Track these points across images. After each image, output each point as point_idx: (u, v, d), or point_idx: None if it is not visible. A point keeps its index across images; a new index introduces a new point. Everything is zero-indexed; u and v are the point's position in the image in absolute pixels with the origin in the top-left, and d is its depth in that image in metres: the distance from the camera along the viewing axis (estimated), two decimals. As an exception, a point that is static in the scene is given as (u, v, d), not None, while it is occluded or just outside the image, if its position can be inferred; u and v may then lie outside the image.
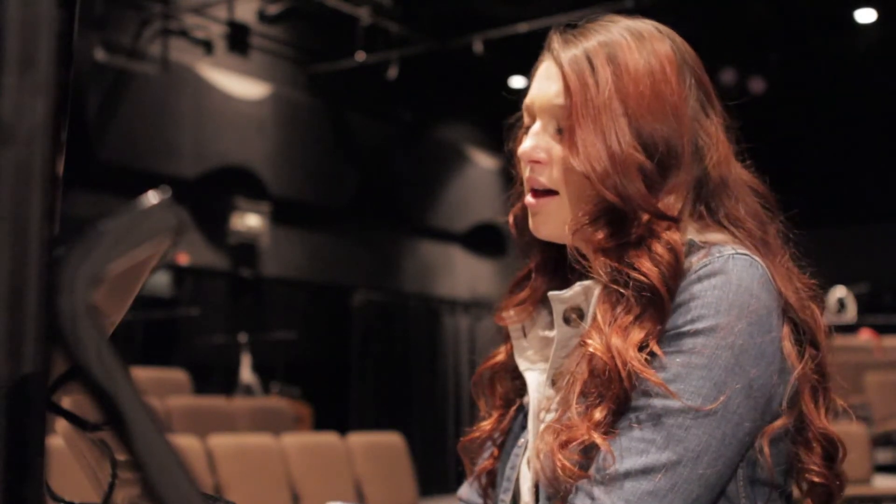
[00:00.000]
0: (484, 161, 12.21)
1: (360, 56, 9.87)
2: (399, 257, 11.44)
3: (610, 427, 1.03)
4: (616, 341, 1.04)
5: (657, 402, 1.01)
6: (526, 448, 1.20)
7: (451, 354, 11.43)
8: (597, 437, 1.02)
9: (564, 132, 1.15)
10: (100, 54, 8.39)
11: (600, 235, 1.12)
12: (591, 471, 1.02)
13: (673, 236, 1.09)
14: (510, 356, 1.27)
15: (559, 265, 1.25)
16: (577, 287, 1.14)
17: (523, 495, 1.18)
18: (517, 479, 1.20)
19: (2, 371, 0.50)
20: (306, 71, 10.34)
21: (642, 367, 1.02)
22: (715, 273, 1.05)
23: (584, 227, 1.13)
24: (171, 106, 9.00)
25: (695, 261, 1.07)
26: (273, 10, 9.91)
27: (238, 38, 9.57)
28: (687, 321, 1.03)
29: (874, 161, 11.61)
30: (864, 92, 10.87)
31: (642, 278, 1.06)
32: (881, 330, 8.79)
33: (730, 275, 1.04)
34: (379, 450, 5.93)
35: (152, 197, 0.56)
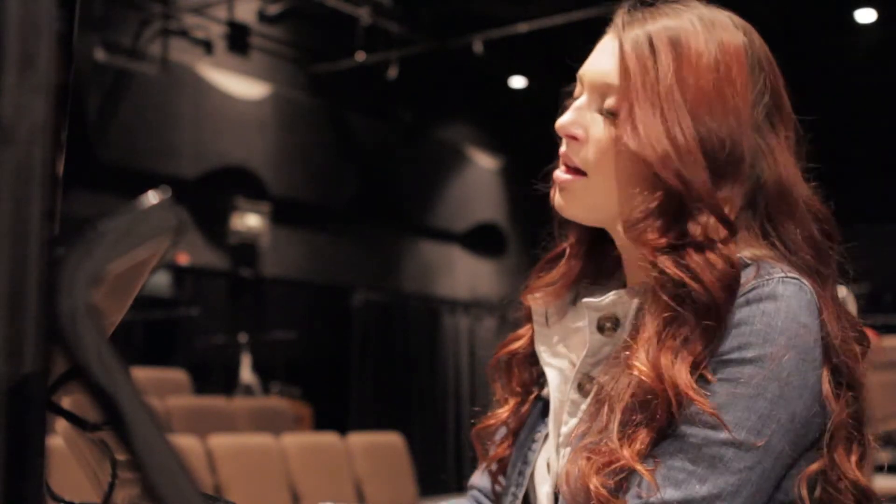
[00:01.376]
0: (484, 161, 12.21)
1: (360, 56, 9.87)
2: (399, 257, 11.44)
3: (650, 453, 0.98)
4: (665, 363, 0.98)
5: (700, 432, 0.97)
6: (543, 443, 1.16)
7: (451, 354, 11.42)
8: (639, 466, 0.97)
9: (620, 111, 1.06)
10: (100, 54, 8.39)
11: (655, 232, 1.03)
12: (628, 497, 0.98)
13: (731, 248, 1.02)
14: (530, 342, 1.21)
15: (593, 248, 1.19)
16: (613, 295, 1.09)
17: (540, 499, 1.14)
18: (532, 476, 1.17)
19: (2, 371, 0.50)
20: (306, 71, 10.33)
21: (695, 396, 0.97)
22: (764, 298, 0.99)
23: (636, 221, 1.04)
24: (171, 106, 9.00)
25: (743, 281, 1.01)
26: (273, 10, 9.91)
27: (238, 38, 9.57)
28: (734, 348, 0.98)
29: (874, 161, 11.61)
30: (864, 92, 10.87)
31: (702, 292, 0.99)
32: (881, 330, 8.79)
33: (779, 301, 0.99)
34: (379, 450, 5.93)
35: (152, 197, 0.56)
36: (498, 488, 1.23)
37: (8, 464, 0.50)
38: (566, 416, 1.13)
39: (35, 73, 0.52)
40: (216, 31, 9.48)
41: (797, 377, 0.99)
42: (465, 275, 12.11)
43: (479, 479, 1.28)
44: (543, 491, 1.14)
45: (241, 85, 9.58)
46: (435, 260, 11.86)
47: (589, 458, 1.01)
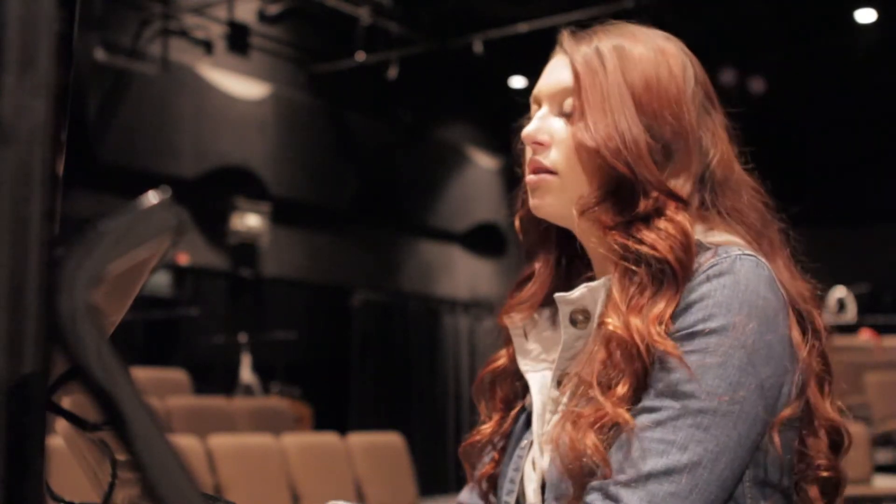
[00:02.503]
0: (484, 161, 12.21)
1: (360, 56, 9.87)
2: (399, 257, 11.44)
3: (632, 404, 1.04)
4: (633, 320, 1.06)
5: (675, 403, 1.02)
6: (529, 449, 1.20)
7: (451, 354, 11.43)
8: (620, 411, 1.03)
9: (574, 112, 1.17)
10: (100, 54, 8.39)
11: (608, 213, 1.13)
12: (613, 463, 1.02)
13: (681, 216, 1.11)
14: (512, 360, 1.27)
15: (563, 267, 1.27)
16: (584, 288, 1.15)
17: (528, 497, 1.17)
18: (521, 481, 1.20)
19: (2, 371, 0.50)
20: (306, 71, 10.34)
21: (661, 341, 1.03)
22: (723, 273, 1.06)
23: (591, 207, 1.14)
24: (171, 106, 9.00)
25: (702, 261, 1.08)
26: (273, 10, 9.91)
27: (238, 38, 9.57)
28: (699, 320, 1.04)
29: (874, 161, 11.60)
30: (864, 92, 10.87)
31: (650, 251, 1.08)
32: (881, 330, 8.79)
33: (738, 275, 1.05)
34: (379, 450, 5.93)
35: (152, 197, 0.56)
36: (493, 500, 1.27)
37: (8, 464, 0.50)
38: (548, 414, 1.17)
39: (35, 73, 0.52)
40: (216, 31, 9.48)
41: (762, 344, 1.04)
42: (465, 275, 12.11)
43: (468, 496, 1.32)
44: (531, 489, 1.17)
45: (241, 85, 9.58)
46: (435, 260, 11.86)
47: (575, 422, 1.06)
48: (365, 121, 10.85)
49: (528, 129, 1.21)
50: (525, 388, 1.25)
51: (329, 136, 10.51)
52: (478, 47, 9.47)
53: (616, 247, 1.11)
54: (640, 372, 1.04)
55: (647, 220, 1.11)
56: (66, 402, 0.66)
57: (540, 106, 1.23)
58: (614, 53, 1.17)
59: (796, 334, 1.08)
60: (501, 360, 1.29)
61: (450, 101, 11.64)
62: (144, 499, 0.53)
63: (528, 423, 1.23)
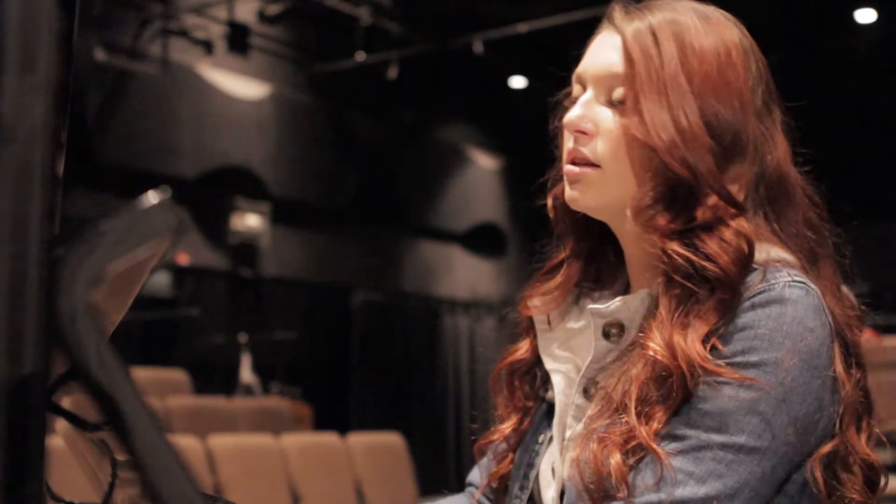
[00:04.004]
0: (484, 161, 12.21)
1: (360, 56, 9.87)
2: (399, 257, 11.44)
3: (663, 447, 0.99)
4: (678, 339, 1.00)
5: (701, 434, 0.98)
6: (547, 445, 1.16)
7: (451, 354, 11.42)
8: (654, 445, 0.99)
9: (627, 101, 1.07)
10: (100, 54, 8.39)
11: (665, 217, 1.04)
12: (636, 484, 0.99)
13: (742, 224, 1.04)
14: (532, 352, 1.21)
15: (592, 254, 1.20)
16: (619, 301, 1.09)
17: (546, 502, 1.14)
18: (536, 478, 1.16)
19: (2, 371, 0.50)
20: (306, 71, 10.33)
21: (710, 365, 0.98)
22: (770, 302, 1.00)
23: (646, 208, 1.05)
24: (171, 106, 9.00)
25: (749, 283, 1.02)
26: (273, 10, 9.91)
27: (238, 39, 9.56)
28: (738, 351, 0.99)
29: (874, 161, 11.60)
30: (864, 92, 10.87)
31: (709, 265, 1.01)
32: (881, 330, 8.79)
33: (785, 305, 1.00)
34: (379, 450, 5.93)
35: (152, 197, 0.56)
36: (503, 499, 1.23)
37: (8, 464, 0.50)
38: (571, 419, 1.12)
39: (35, 73, 0.52)
40: (216, 32, 9.48)
41: (801, 382, 0.99)
42: (465, 275, 12.11)
43: (477, 476, 1.29)
44: (549, 495, 1.14)
45: (241, 85, 9.58)
46: (435, 260, 11.85)
47: (601, 441, 1.01)
48: (365, 121, 10.85)
49: (571, 116, 1.10)
50: (545, 379, 1.20)
51: (329, 136, 10.51)
52: (478, 47, 9.47)
53: (674, 257, 1.03)
54: (680, 401, 0.99)
55: (708, 228, 1.03)
56: (66, 402, 0.66)
57: (584, 87, 1.12)
58: (672, 36, 1.06)
59: (840, 367, 1.02)
60: (520, 351, 1.22)
61: (450, 101, 11.64)
62: (144, 499, 0.53)
63: (547, 414, 1.19)
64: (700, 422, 0.98)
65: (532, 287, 1.21)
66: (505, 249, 12.27)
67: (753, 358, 0.99)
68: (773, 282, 1.01)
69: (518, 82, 10.78)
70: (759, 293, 1.01)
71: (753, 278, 1.02)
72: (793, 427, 0.99)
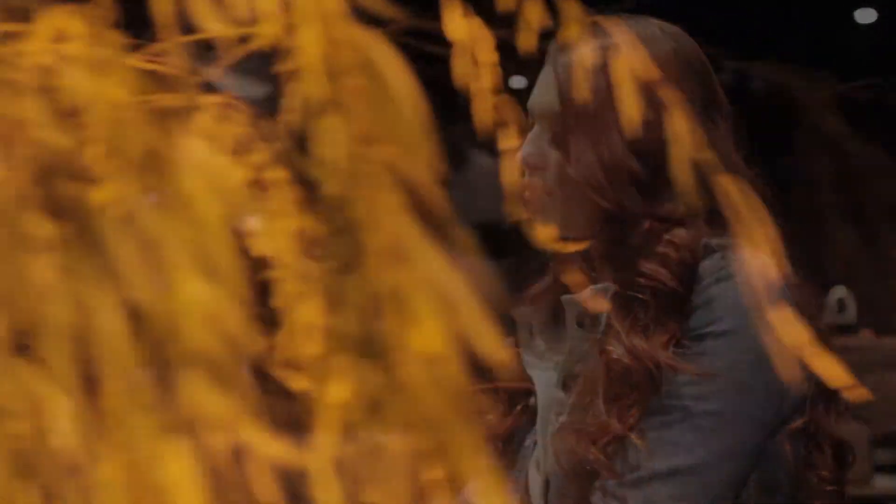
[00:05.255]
0: (484, 161, 12.21)
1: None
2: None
3: (639, 426, 1.02)
4: (639, 342, 1.03)
5: (684, 404, 1.02)
6: (533, 449, 1.18)
7: (452, 354, 11.41)
8: (631, 435, 1.01)
9: (559, 140, 1.13)
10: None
11: (602, 244, 1.10)
12: (618, 466, 1.02)
13: (679, 234, 1.07)
14: (517, 355, 1.23)
15: (578, 261, 1.22)
16: (589, 291, 1.12)
17: (534, 499, 1.16)
18: (525, 481, 1.18)
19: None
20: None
21: (678, 364, 1.01)
22: (731, 276, 1.04)
23: (585, 238, 1.10)
24: (172, 106, 9.00)
25: (710, 264, 1.06)
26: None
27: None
28: (707, 323, 1.03)
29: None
30: (863, 92, 10.86)
31: (652, 283, 1.05)
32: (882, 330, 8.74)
33: (746, 277, 1.01)
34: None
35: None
36: None
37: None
38: (553, 416, 1.14)
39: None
40: (216, 32, 9.49)
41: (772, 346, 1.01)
42: (465, 275, 12.11)
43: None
44: (535, 491, 1.15)
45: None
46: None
47: (578, 433, 1.04)
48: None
49: (522, 153, 1.15)
50: (531, 386, 1.22)
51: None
52: (478, 47, 9.46)
53: (613, 277, 1.09)
54: (651, 393, 1.02)
55: (643, 249, 1.08)
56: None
57: (534, 123, 1.18)
58: (602, 67, 1.05)
59: None
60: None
61: (450, 101, 11.64)
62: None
63: (532, 422, 1.21)
64: (678, 394, 1.01)
65: (519, 293, 1.25)
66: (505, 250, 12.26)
67: (721, 327, 1.03)
68: (732, 258, 1.04)
69: (518, 82, 10.77)
70: (721, 268, 1.04)
71: (714, 257, 1.06)
72: (769, 390, 1.02)
